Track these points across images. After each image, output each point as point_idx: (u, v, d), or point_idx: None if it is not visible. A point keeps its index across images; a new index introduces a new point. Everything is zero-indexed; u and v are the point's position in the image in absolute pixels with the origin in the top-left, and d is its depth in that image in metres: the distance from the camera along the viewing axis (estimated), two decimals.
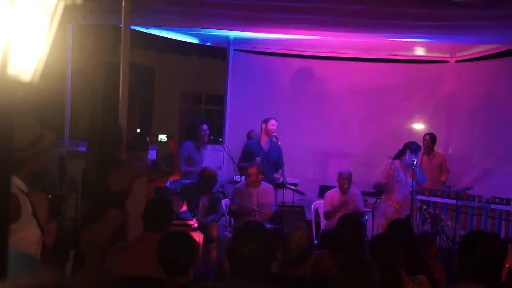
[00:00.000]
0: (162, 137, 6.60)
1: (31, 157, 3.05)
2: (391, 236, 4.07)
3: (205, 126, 8.31)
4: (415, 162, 7.90)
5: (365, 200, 8.83)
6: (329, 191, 8.42)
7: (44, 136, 3.06)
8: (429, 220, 8.26)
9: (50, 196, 3.39)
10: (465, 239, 3.23)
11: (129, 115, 5.65)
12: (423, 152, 9.02)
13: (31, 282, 0.96)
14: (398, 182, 8.06)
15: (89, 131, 10.32)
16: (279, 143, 8.45)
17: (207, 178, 7.53)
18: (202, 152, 8.35)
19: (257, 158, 8.22)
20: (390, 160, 8.05)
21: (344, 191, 8.21)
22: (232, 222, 8.07)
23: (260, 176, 7.96)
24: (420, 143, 9.06)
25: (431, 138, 9.20)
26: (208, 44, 9.95)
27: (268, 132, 8.50)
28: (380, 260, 3.42)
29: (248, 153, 8.45)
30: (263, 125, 8.56)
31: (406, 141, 8.23)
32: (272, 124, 8.50)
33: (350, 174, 8.27)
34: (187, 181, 7.77)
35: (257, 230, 2.97)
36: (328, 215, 8.22)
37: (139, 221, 4.34)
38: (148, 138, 6.59)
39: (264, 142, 8.56)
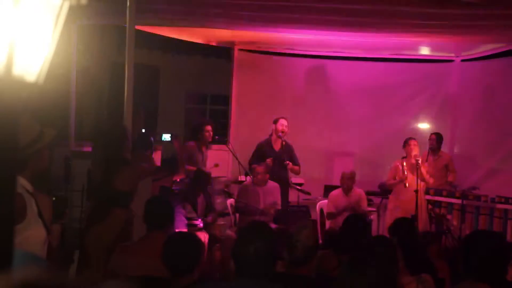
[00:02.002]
0: (166, 137, 6.61)
1: (33, 155, 3.06)
2: (388, 238, 4.08)
3: (208, 127, 8.28)
4: (419, 161, 7.93)
5: (370, 200, 8.82)
6: (332, 192, 8.41)
7: (44, 133, 3.07)
8: (434, 220, 8.25)
9: (54, 198, 3.40)
10: (468, 239, 3.22)
11: (134, 115, 5.66)
12: (429, 152, 9.02)
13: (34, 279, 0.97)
14: (405, 181, 8.08)
15: (94, 131, 10.34)
16: (283, 143, 8.43)
17: (200, 179, 7.47)
18: (205, 153, 8.32)
19: (267, 160, 8.20)
20: (401, 161, 8.08)
21: (346, 191, 8.20)
22: (237, 221, 8.08)
23: (267, 176, 7.96)
24: (426, 142, 9.07)
25: (437, 138, 9.18)
26: (213, 44, 9.95)
27: (278, 133, 8.46)
28: (377, 262, 3.42)
29: (260, 154, 8.43)
30: (274, 126, 8.54)
31: None
32: (281, 124, 8.47)
33: (352, 174, 8.23)
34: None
35: (261, 230, 2.97)
36: (330, 215, 8.23)
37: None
38: (152, 138, 6.61)
39: (276, 142, 8.53)
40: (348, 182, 8.17)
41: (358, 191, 8.27)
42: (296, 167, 8.45)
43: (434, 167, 8.74)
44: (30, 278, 0.96)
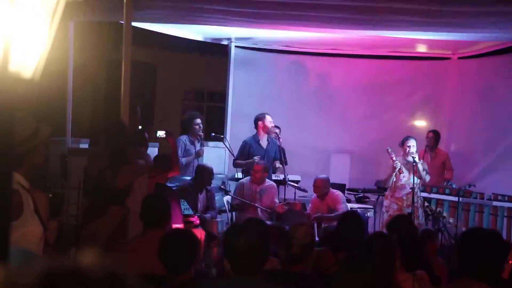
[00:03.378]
0: (161, 133, 6.60)
1: (29, 152, 3.06)
2: (386, 234, 4.08)
3: (197, 120, 8.32)
4: (416, 159, 7.93)
5: (367, 197, 8.82)
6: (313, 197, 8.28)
7: (40, 129, 3.07)
8: (431, 217, 8.26)
9: (50, 195, 3.40)
10: (464, 237, 3.22)
11: (131, 113, 5.66)
12: (426, 149, 9.03)
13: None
14: (401, 178, 8.08)
15: (93, 129, 10.34)
16: (280, 140, 8.43)
17: (203, 174, 7.50)
18: (197, 146, 8.35)
19: (255, 158, 8.19)
20: (388, 150, 8.05)
21: (320, 197, 7.99)
22: (234, 218, 8.08)
23: (266, 174, 7.96)
24: (423, 140, 9.07)
25: (434, 135, 9.19)
26: (210, 41, 9.94)
27: (267, 130, 8.45)
28: (375, 258, 3.43)
29: (246, 152, 8.40)
30: (260, 123, 8.49)
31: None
32: (269, 121, 8.45)
33: (320, 181, 7.96)
34: (187, 178, 7.76)
35: (253, 224, 2.97)
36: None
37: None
38: (146, 135, 6.60)
39: (263, 139, 8.51)
40: (315, 189, 7.98)
41: (333, 194, 7.98)
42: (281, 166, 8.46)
43: (431, 165, 8.75)
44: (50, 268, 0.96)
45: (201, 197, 7.49)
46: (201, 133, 8.36)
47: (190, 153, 8.17)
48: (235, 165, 8.46)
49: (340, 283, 2.82)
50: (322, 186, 7.94)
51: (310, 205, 8.15)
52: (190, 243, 3.57)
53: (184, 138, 8.25)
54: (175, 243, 3.54)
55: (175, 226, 5.63)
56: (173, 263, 3.50)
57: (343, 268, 2.86)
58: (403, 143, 8.19)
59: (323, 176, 8.13)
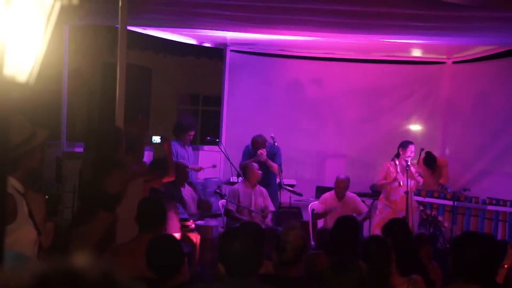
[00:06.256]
0: (156, 138, 6.58)
1: (25, 155, 3.05)
2: (383, 237, 4.09)
3: (193, 132, 8.47)
4: (409, 163, 7.96)
5: (362, 201, 8.82)
6: (326, 193, 8.39)
7: (36, 133, 3.07)
8: (426, 221, 8.27)
9: (47, 196, 3.39)
10: (458, 240, 3.23)
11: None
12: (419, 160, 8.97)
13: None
14: (396, 181, 8.11)
15: (86, 132, 10.32)
16: (275, 144, 8.44)
17: (177, 171, 7.46)
18: (188, 149, 8.48)
19: (259, 151, 8.23)
20: (393, 162, 8.10)
21: (339, 197, 8.17)
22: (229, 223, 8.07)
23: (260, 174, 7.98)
24: (418, 146, 9.05)
25: (429, 158, 9.05)
26: (205, 45, 9.94)
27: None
28: (371, 261, 3.44)
29: (249, 156, 8.48)
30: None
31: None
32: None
33: (348, 181, 8.21)
34: None
35: (248, 227, 2.97)
36: (317, 216, 8.25)
37: (134, 223, 4.34)
38: None
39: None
40: (343, 191, 8.14)
41: (351, 196, 8.23)
42: (274, 165, 8.45)
43: (433, 176, 8.77)
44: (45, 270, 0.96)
45: (186, 191, 7.55)
46: (191, 140, 8.57)
47: (183, 158, 8.20)
48: (241, 168, 8.49)
49: (329, 286, 2.83)
50: (346, 188, 8.14)
51: (319, 201, 8.21)
52: (174, 248, 3.58)
53: (175, 143, 8.29)
54: (159, 249, 3.56)
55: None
56: (159, 268, 3.51)
57: (331, 271, 2.87)
58: (404, 148, 8.19)
59: (344, 176, 8.29)
